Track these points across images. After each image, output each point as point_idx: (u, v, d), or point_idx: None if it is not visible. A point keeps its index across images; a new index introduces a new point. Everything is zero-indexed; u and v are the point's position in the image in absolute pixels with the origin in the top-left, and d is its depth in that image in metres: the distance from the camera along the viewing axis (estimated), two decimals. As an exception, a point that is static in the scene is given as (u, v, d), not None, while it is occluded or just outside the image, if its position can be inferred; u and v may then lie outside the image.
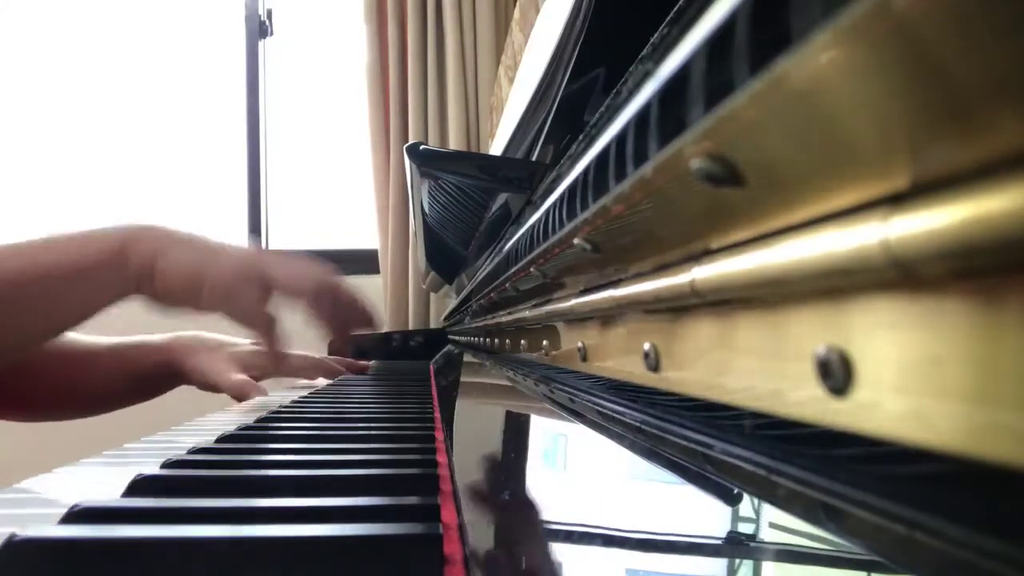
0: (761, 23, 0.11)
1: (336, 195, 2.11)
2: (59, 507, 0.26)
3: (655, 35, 0.16)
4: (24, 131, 2.11)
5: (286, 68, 2.10)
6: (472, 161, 0.50)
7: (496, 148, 0.74)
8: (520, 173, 0.40)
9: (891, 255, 0.10)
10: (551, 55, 0.40)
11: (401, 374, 1.02)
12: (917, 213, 0.09)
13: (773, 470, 0.16)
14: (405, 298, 1.83)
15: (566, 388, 0.36)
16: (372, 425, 0.50)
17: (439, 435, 0.45)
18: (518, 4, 0.90)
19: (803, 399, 0.14)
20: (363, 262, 1.94)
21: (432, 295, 1.80)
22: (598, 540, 0.22)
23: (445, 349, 1.35)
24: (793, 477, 0.15)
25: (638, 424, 0.25)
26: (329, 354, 1.16)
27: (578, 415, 0.33)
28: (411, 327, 1.80)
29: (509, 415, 0.52)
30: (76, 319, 0.61)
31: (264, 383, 0.81)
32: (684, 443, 0.20)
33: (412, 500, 0.29)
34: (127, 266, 0.60)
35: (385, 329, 1.78)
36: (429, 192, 0.55)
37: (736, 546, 0.17)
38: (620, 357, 0.26)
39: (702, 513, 0.20)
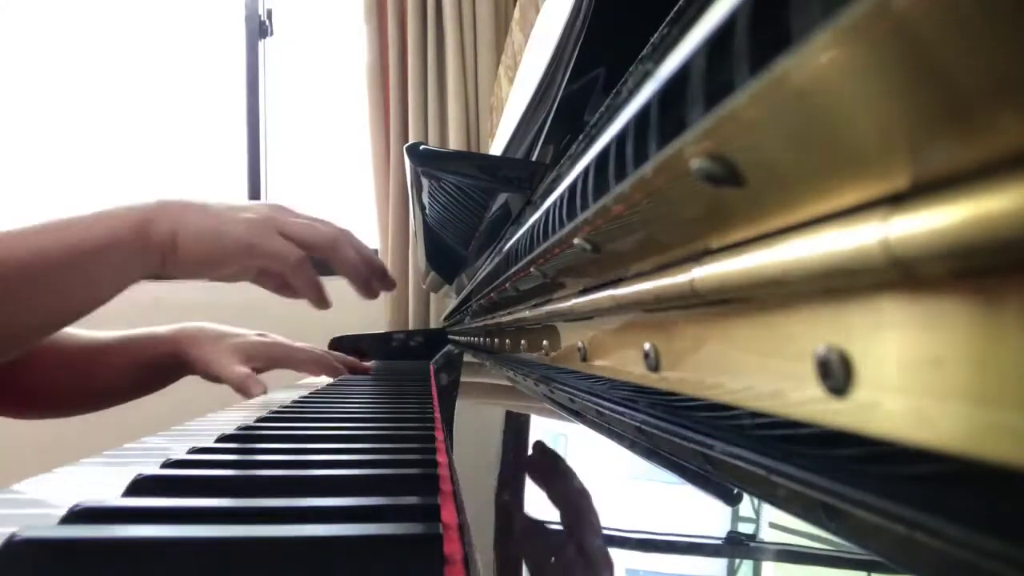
0: (761, 23, 0.11)
1: (336, 195, 2.11)
2: (59, 507, 0.26)
3: (655, 35, 0.16)
4: (24, 131, 2.11)
5: (286, 68, 2.10)
6: (472, 161, 0.50)
7: (496, 148, 0.74)
8: (520, 173, 0.40)
9: (891, 255, 0.10)
10: (551, 55, 0.40)
11: (401, 374, 1.02)
12: (917, 213, 0.09)
13: (773, 470, 0.16)
14: (405, 298, 1.83)
15: (566, 388, 0.36)
16: (372, 425, 0.50)
17: (439, 435, 0.45)
18: (518, 4, 0.90)
19: (803, 399, 0.14)
20: (363, 262, 1.94)
21: (432, 295, 1.80)
22: (598, 540, 0.22)
23: (445, 349, 1.35)
24: (793, 477, 0.15)
25: (638, 424, 0.25)
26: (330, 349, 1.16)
27: (578, 415, 0.33)
28: (411, 327, 1.80)
29: (509, 415, 0.52)
30: (101, 296, 0.62)
31: (264, 376, 0.81)
32: (684, 443, 0.20)
33: (412, 500, 0.29)
34: (149, 241, 0.61)
35: (385, 329, 1.78)
36: (429, 192, 0.55)
37: (736, 546, 0.17)
38: (620, 357, 0.26)
39: (702, 513, 0.20)
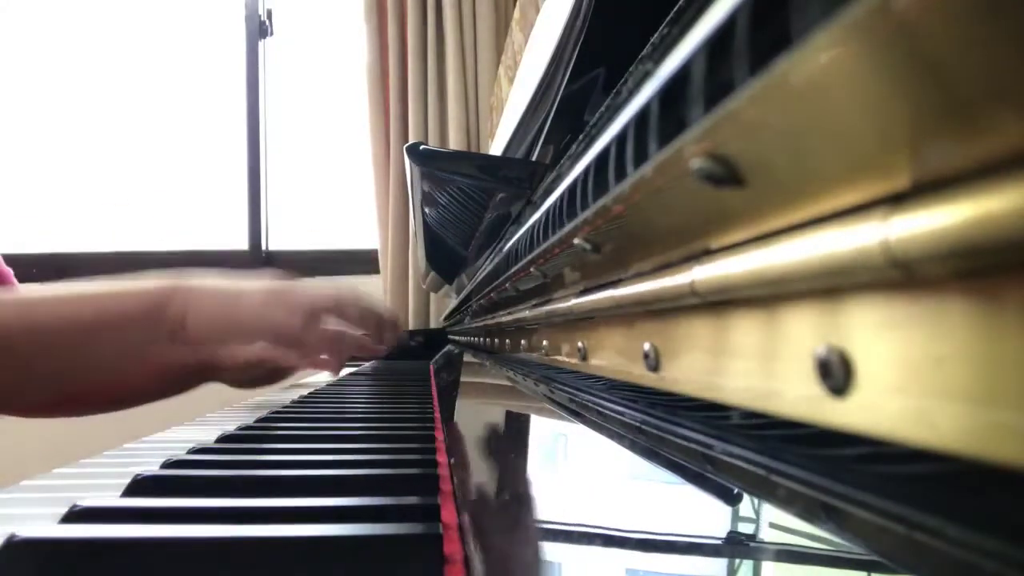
0: (761, 23, 0.11)
1: (336, 195, 2.11)
2: (59, 507, 0.26)
3: (655, 35, 0.16)
4: (24, 131, 2.11)
5: (286, 68, 2.10)
6: (472, 161, 0.50)
7: (496, 148, 0.74)
8: (520, 173, 0.40)
9: (891, 255, 0.10)
10: (551, 55, 0.40)
11: (401, 374, 1.02)
12: (917, 213, 0.09)
13: (773, 470, 0.16)
14: (405, 298, 1.83)
15: (566, 388, 0.36)
16: (372, 425, 0.50)
17: (439, 435, 0.45)
18: (518, 4, 0.90)
19: (803, 399, 0.14)
20: (363, 262, 1.94)
21: (432, 295, 1.80)
22: (598, 540, 0.22)
23: (445, 349, 1.35)
24: (793, 477, 0.15)
25: (638, 424, 0.25)
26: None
27: (578, 415, 0.33)
28: (411, 327, 1.80)
29: (509, 415, 0.52)
30: (108, 369, 0.66)
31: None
32: (684, 443, 0.20)
33: (412, 500, 0.29)
34: (161, 323, 0.64)
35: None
36: (429, 192, 0.55)
37: (736, 546, 0.17)
38: (620, 357, 0.26)
39: (702, 513, 0.20)
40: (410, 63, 1.80)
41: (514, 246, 0.39)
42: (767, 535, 0.16)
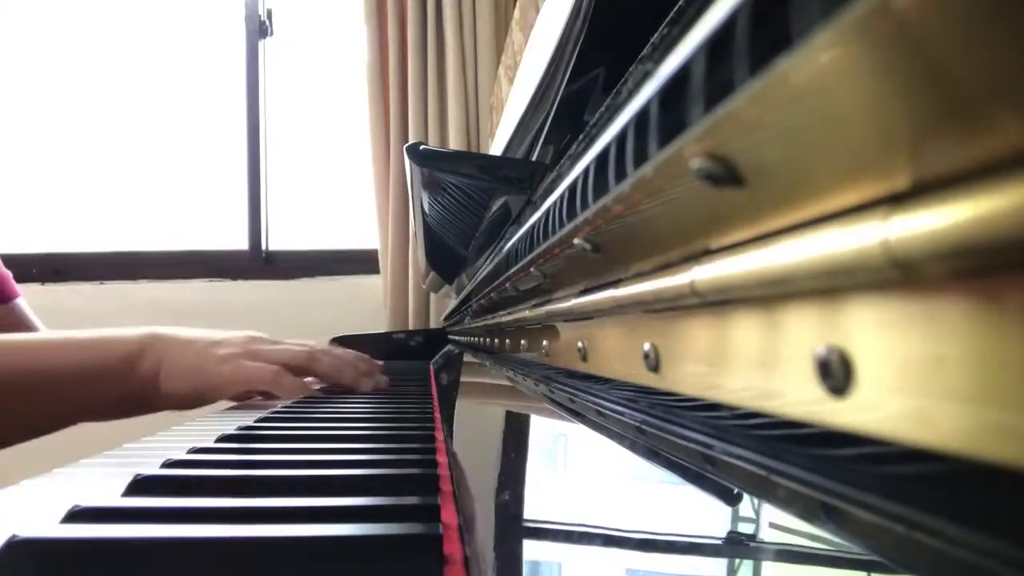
0: (761, 23, 0.11)
1: (336, 195, 2.11)
2: (59, 507, 0.26)
3: (655, 35, 0.16)
4: (24, 131, 2.11)
5: (286, 68, 2.10)
6: (472, 161, 0.50)
7: (496, 148, 0.74)
8: (520, 173, 0.40)
9: (891, 255, 0.10)
10: (551, 55, 0.40)
11: (401, 374, 1.02)
12: (917, 213, 0.09)
13: (773, 470, 0.16)
14: (405, 298, 1.83)
15: (566, 388, 0.36)
16: (372, 425, 0.50)
17: (439, 435, 0.45)
18: (518, 4, 0.90)
19: (803, 399, 0.14)
20: (363, 262, 1.94)
21: (432, 295, 1.80)
22: (598, 540, 0.22)
23: (445, 349, 1.35)
24: (793, 477, 0.15)
25: (638, 424, 0.25)
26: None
27: (578, 415, 0.33)
28: (411, 327, 1.80)
29: (509, 415, 0.52)
30: (83, 416, 0.68)
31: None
32: (684, 443, 0.20)
33: (412, 500, 0.29)
34: (134, 374, 0.66)
35: (385, 329, 1.78)
36: (429, 192, 0.55)
37: (736, 546, 0.17)
38: (620, 357, 0.26)
39: (702, 513, 0.20)
40: (410, 63, 1.80)
41: (514, 246, 0.39)
42: (767, 535, 0.16)
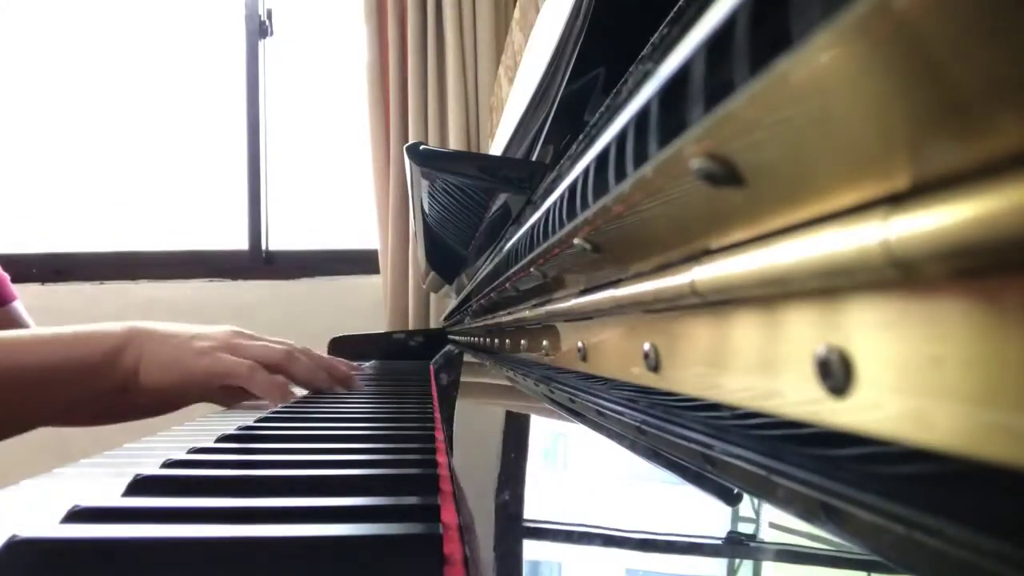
0: (761, 23, 0.11)
1: (336, 195, 2.11)
2: (59, 507, 0.26)
3: (655, 35, 0.16)
4: (24, 131, 2.11)
5: (286, 68, 2.10)
6: (472, 161, 0.50)
7: (496, 148, 0.74)
8: (520, 173, 0.40)
9: (891, 255, 0.10)
10: (551, 55, 0.40)
11: (401, 374, 1.02)
12: (917, 213, 0.09)
13: (773, 470, 0.16)
14: (405, 298, 1.83)
15: (566, 388, 0.36)
16: (372, 425, 0.50)
17: (439, 435, 0.45)
18: (518, 4, 0.90)
19: (803, 399, 0.14)
20: (363, 262, 1.94)
21: (432, 295, 1.80)
22: (598, 540, 0.22)
23: (445, 349, 1.35)
24: (793, 477, 0.15)
25: (638, 424, 0.25)
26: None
27: (578, 415, 0.33)
28: (411, 327, 1.80)
29: (509, 415, 0.52)
30: (64, 410, 0.70)
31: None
32: (684, 443, 0.20)
33: (412, 500, 0.29)
34: (115, 368, 0.67)
35: (385, 329, 1.78)
36: (429, 192, 0.55)
37: (736, 546, 0.17)
38: (620, 357, 0.26)
39: (702, 513, 0.20)
40: (410, 63, 1.80)
41: (514, 246, 0.39)
42: (767, 535, 0.16)
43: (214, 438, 0.44)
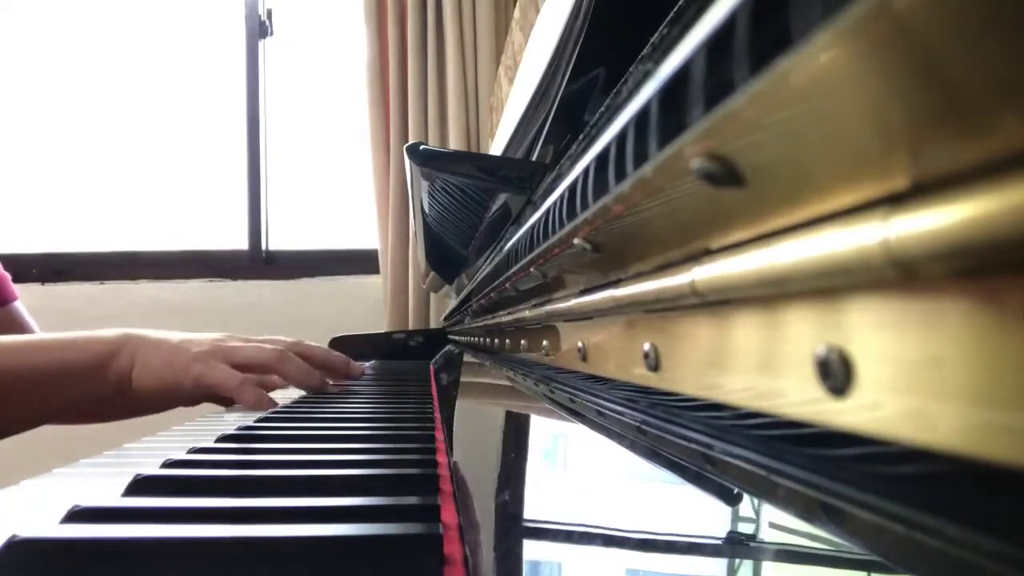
0: (761, 23, 0.11)
1: (336, 195, 2.11)
2: (59, 507, 0.26)
3: (655, 35, 0.16)
4: (24, 131, 2.11)
5: (286, 68, 2.10)
6: (472, 161, 0.50)
7: (496, 148, 0.74)
8: (520, 173, 0.40)
9: (891, 255, 0.10)
10: (551, 55, 0.40)
11: (401, 374, 1.02)
12: (917, 213, 0.09)
13: (773, 470, 0.16)
14: (405, 298, 1.83)
15: (566, 388, 0.36)
16: (372, 425, 0.50)
17: (439, 435, 0.45)
18: (518, 4, 0.90)
19: (803, 399, 0.14)
20: (363, 262, 1.94)
21: (432, 295, 1.80)
22: (598, 540, 0.22)
23: (445, 349, 1.35)
24: (793, 477, 0.15)
25: (638, 424, 0.25)
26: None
27: (578, 415, 0.33)
28: (411, 327, 1.80)
29: (509, 415, 0.52)
30: (58, 413, 0.71)
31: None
32: (684, 443, 0.20)
33: (412, 500, 0.29)
34: (109, 373, 0.69)
35: (385, 329, 1.78)
36: (429, 192, 0.55)
37: (736, 546, 0.17)
38: (620, 357, 0.26)
39: (702, 513, 0.20)
40: (410, 63, 1.80)
41: (514, 246, 0.39)
42: (767, 535, 0.16)
43: (214, 438, 0.44)
